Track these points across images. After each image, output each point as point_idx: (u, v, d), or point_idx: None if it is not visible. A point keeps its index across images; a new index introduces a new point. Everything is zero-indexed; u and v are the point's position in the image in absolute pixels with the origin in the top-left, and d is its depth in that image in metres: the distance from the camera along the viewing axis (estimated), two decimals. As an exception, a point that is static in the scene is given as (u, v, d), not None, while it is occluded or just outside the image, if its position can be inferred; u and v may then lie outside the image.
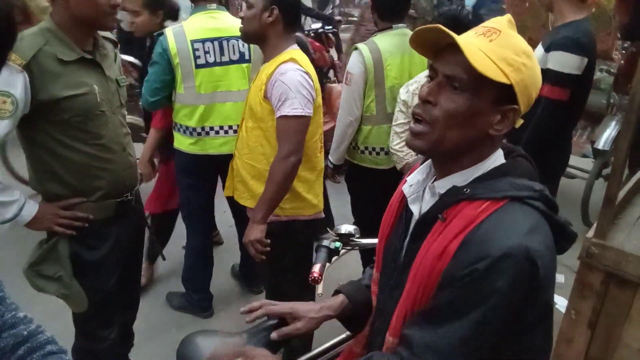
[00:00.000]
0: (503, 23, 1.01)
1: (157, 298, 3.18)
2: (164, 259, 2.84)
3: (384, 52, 2.65)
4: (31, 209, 1.79)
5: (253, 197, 2.18)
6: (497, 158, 1.05)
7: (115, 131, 1.88)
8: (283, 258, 2.21)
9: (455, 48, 0.95)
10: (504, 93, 0.97)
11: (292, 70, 2.02)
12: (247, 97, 2.24)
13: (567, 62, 2.53)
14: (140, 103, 2.97)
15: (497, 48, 0.97)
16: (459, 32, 0.99)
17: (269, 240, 2.06)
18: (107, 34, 2.02)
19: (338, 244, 1.66)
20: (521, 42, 1.00)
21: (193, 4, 2.71)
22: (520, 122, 1.05)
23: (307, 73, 2.06)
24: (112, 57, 1.95)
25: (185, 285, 3.08)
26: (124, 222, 1.99)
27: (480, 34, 1.00)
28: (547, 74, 2.55)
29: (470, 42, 0.97)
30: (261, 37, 2.11)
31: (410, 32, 2.68)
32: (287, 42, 2.13)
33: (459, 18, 2.24)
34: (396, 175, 2.59)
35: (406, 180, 1.16)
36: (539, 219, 0.98)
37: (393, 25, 2.71)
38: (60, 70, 1.71)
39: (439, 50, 1.01)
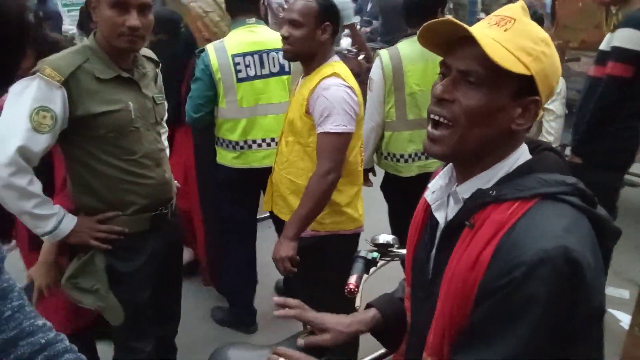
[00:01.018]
0: (517, 10, 0.94)
1: (202, 313, 3.18)
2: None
3: (405, 58, 2.64)
4: (69, 222, 1.81)
5: (292, 213, 2.14)
6: (521, 155, 0.97)
7: (149, 147, 1.90)
8: (322, 273, 2.15)
9: (468, 41, 0.89)
10: (524, 85, 0.90)
11: (335, 86, 1.98)
12: (287, 111, 2.21)
13: (631, 38, 2.48)
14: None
15: (513, 37, 0.90)
16: None
17: (298, 258, 1.98)
18: (151, 53, 2.06)
19: (375, 254, 1.59)
20: (538, 30, 0.94)
21: (232, 19, 2.74)
22: (541, 113, 0.98)
23: (350, 87, 2.01)
24: (152, 75, 1.99)
25: (229, 300, 3.08)
26: (159, 235, 1.99)
27: (493, 24, 0.93)
28: (611, 52, 2.55)
29: (485, 34, 0.90)
30: (311, 55, 2.07)
31: None
32: (329, 53, 2.10)
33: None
34: (422, 184, 2.58)
35: (428, 188, 1.09)
36: (575, 215, 0.89)
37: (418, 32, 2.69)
38: (97, 88, 1.75)
39: (450, 45, 0.95)
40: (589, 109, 2.62)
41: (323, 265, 2.12)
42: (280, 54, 2.63)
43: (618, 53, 2.52)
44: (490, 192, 0.93)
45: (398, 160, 2.74)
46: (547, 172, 0.93)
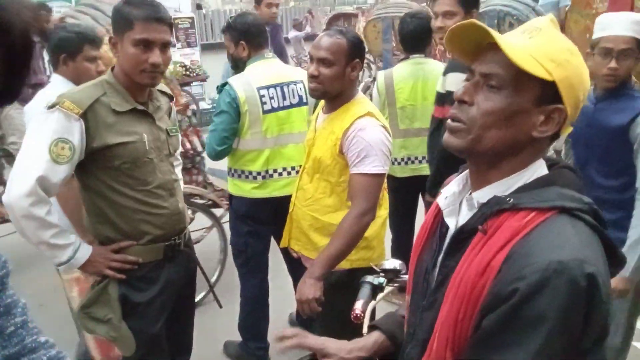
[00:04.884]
0: (545, 21, 0.96)
1: (214, 347, 3.14)
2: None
3: (396, 78, 3.15)
4: (85, 252, 1.84)
5: (316, 249, 2.10)
6: (539, 168, 0.96)
7: (163, 177, 1.94)
8: (346, 306, 2.08)
9: (493, 48, 0.90)
10: (548, 92, 0.90)
11: (372, 127, 1.99)
12: (309, 148, 2.19)
13: (458, 83, 2.36)
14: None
15: (538, 44, 0.90)
16: None
17: (323, 298, 1.91)
18: (165, 88, 2.13)
19: (382, 279, 1.56)
20: (564, 40, 0.94)
21: (254, 52, 2.79)
22: (569, 129, 0.95)
23: (384, 127, 2.02)
24: (165, 109, 2.05)
25: (242, 334, 3.02)
26: (173, 265, 2.00)
27: (520, 32, 0.95)
28: (447, 95, 2.46)
29: (509, 40, 0.91)
30: (339, 93, 2.05)
31: (425, 61, 3.12)
32: (355, 90, 2.11)
33: None
34: (414, 185, 3.18)
35: (441, 193, 1.07)
36: (590, 234, 0.87)
37: (410, 56, 3.18)
38: (113, 120, 1.81)
39: (477, 53, 0.96)
40: (436, 150, 2.55)
41: (347, 299, 2.06)
42: (298, 85, 2.72)
43: (453, 98, 2.42)
44: (508, 199, 0.92)
45: (392, 164, 3.13)
46: (566, 188, 0.92)
